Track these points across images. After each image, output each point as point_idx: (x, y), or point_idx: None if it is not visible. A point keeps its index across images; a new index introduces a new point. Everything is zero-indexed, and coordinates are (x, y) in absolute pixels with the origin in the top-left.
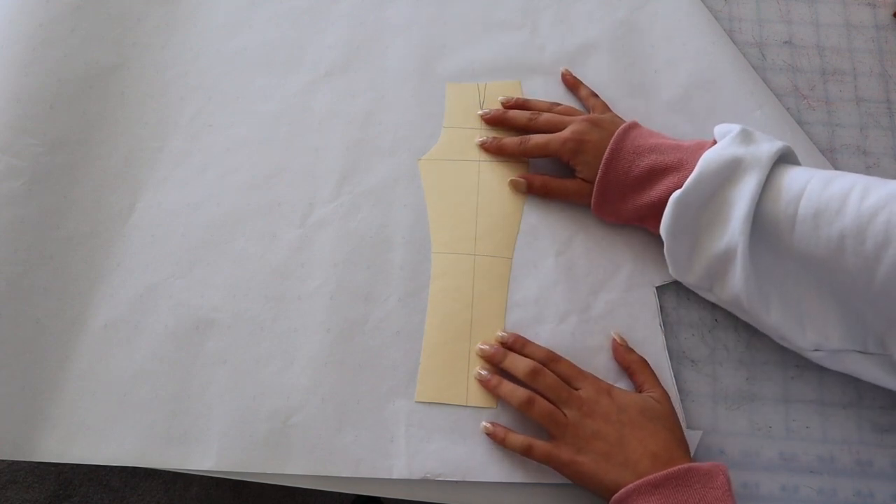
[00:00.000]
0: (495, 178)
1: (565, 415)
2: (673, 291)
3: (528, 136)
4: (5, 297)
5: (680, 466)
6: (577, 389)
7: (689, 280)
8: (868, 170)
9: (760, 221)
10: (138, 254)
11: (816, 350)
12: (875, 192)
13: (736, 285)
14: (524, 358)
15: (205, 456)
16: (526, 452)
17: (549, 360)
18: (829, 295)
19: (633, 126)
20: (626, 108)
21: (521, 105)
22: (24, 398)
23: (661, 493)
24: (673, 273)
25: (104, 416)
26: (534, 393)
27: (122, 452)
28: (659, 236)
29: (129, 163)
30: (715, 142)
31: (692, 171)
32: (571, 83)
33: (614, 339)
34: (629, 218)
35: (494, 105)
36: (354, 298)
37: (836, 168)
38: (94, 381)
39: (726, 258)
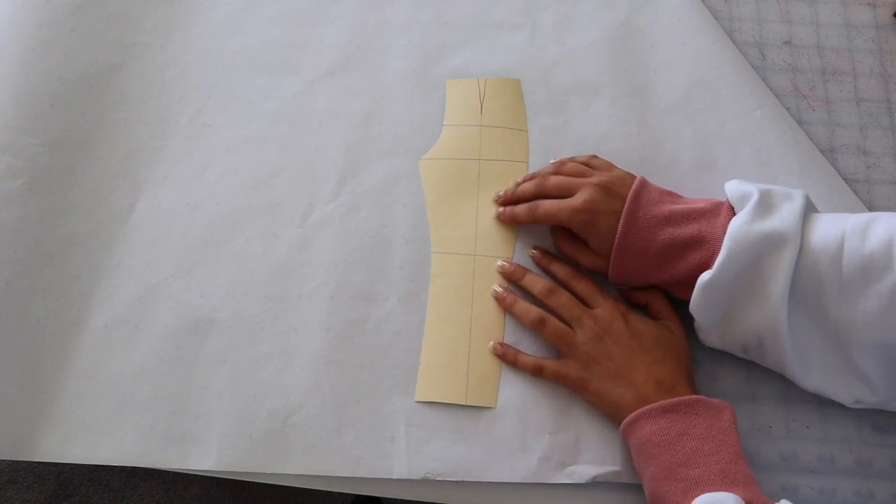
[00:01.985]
0: (495, 178)
1: (577, 334)
2: None
3: (538, 202)
4: (5, 297)
5: (690, 396)
6: (594, 309)
7: (715, 345)
8: (868, 170)
9: (800, 286)
10: (138, 254)
11: (857, 403)
12: None
13: (775, 358)
14: (541, 277)
15: (205, 456)
16: (537, 372)
17: (571, 278)
18: (874, 352)
19: (643, 188)
20: (625, 108)
21: (531, 178)
22: (24, 398)
23: (669, 418)
24: (700, 339)
25: (104, 416)
26: (546, 313)
27: (122, 452)
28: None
29: (129, 163)
30: (730, 205)
31: (714, 244)
32: (556, 164)
33: (622, 289)
34: (650, 285)
35: (494, 101)
36: (354, 298)
37: (836, 168)
38: (94, 381)
39: (763, 333)
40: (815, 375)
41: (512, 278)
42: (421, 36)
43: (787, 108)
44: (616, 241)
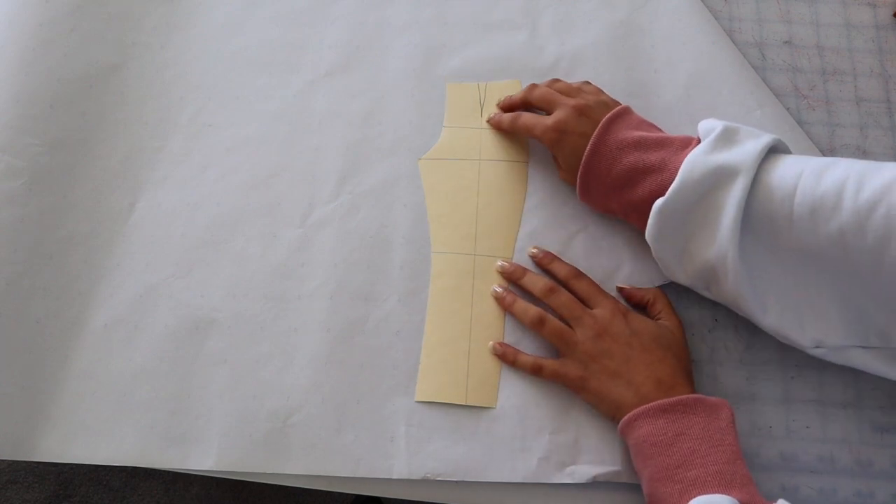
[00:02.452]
0: (495, 178)
1: (576, 333)
2: (673, 291)
3: (519, 114)
4: (5, 297)
5: (689, 395)
6: (594, 309)
7: (682, 281)
8: None
9: (755, 221)
10: (138, 254)
11: (818, 347)
12: (870, 182)
13: (731, 293)
14: (541, 276)
15: (205, 456)
16: (536, 372)
17: (571, 277)
18: (829, 291)
19: (620, 115)
20: None
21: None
22: (24, 398)
23: (667, 417)
24: (665, 274)
25: (104, 416)
26: (545, 312)
27: (122, 452)
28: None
29: (129, 163)
30: (699, 140)
31: (673, 172)
32: (550, 81)
33: (622, 288)
34: (614, 211)
35: (494, 103)
36: (354, 298)
37: None
38: (94, 381)
39: (716, 265)
40: (772, 312)
41: (512, 278)
42: (421, 36)
43: (787, 108)
44: (582, 161)
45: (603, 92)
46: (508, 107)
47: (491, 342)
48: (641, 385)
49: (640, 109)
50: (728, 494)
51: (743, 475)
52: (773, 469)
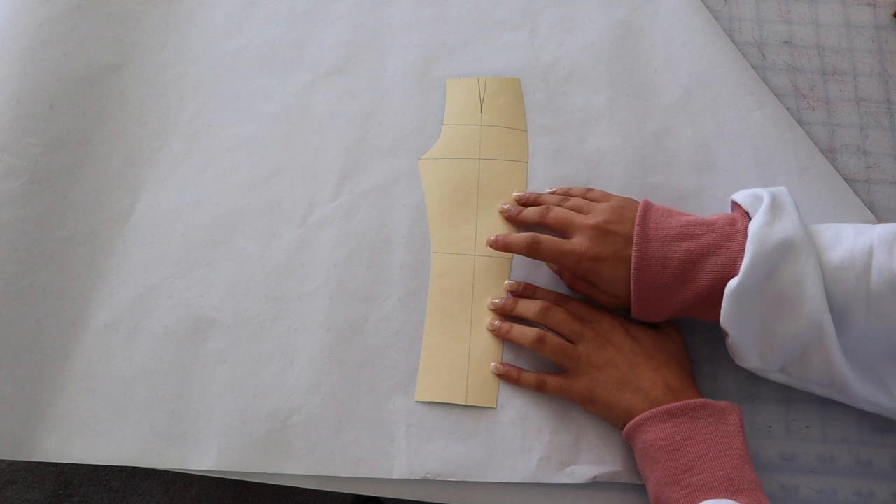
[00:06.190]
0: (495, 178)
1: (578, 347)
2: None
3: (538, 238)
4: (5, 297)
5: (697, 400)
6: (591, 323)
7: (754, 365)
8: (868, 170)
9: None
10: (138, 254)
11: (872, 405)
12: None
13: (823, 361)
14: (533, 300)
15: (205, 456)
16: (540, 388)
17: (561, 301)
18: None
19: (647, 209)
20: (625, 107)
21: (534, 201)
22: (24, 398)
23: (675, 422)
24: (736, 361)
25: (104, 416)
26: (544, 331)
27: (122, 452)
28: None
29: (129, 163)
30: (743, 213)
31: (733, 250)
32: (561, 194)
33: None
34: (674, 312)
35: (494, 100)
36: (354, 298)
37: (836, 168)
38: (94, 381)
39: (808, 338)
40: (864, 380)
41: (504, 312)
42: (421, 36)
43: (787, 108)
44: (633, 267)
45: (611, 194)
46: (518, 221)
47: (493, 363)
48: (651, 391)
49: (640, 109)
50: (735, 500)
51: (751, 480)
52: (773, 469)
